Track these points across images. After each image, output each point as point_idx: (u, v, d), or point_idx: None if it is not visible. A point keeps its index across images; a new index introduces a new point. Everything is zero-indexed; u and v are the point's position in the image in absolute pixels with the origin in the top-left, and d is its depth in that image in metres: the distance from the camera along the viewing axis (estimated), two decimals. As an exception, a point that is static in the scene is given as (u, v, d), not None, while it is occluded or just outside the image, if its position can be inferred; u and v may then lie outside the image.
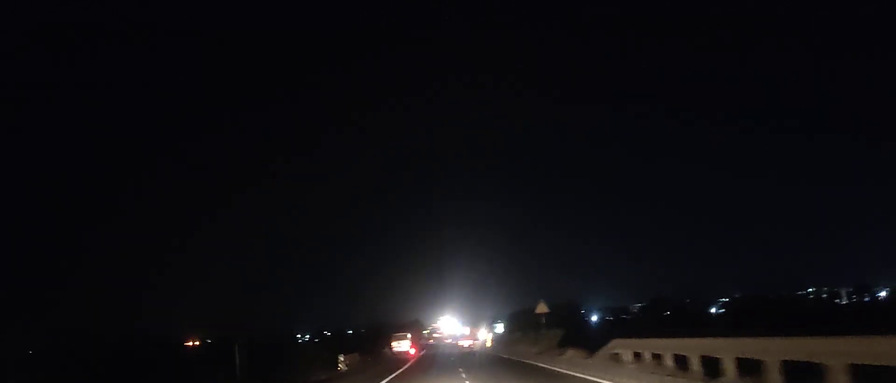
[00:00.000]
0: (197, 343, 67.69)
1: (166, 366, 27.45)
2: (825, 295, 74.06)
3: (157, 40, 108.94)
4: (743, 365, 12.60)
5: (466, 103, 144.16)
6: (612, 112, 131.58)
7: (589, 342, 25.94)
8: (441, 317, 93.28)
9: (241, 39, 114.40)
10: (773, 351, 11.30)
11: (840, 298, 71.61)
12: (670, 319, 56.33)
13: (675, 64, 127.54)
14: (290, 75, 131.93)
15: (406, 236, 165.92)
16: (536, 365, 24.43)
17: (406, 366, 33.88)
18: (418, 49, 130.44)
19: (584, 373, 18.28)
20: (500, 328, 75.60)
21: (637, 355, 19.10)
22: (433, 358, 44.35)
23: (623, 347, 20.36)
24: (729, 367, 12.87)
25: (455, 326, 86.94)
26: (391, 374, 25.88)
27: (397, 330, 65.67)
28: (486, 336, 66.56)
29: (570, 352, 25.54)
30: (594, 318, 75.10)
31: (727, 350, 13.15)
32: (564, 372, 19.92)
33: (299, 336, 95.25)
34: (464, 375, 21.76)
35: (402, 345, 57.34)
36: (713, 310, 67.32)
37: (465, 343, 66.29)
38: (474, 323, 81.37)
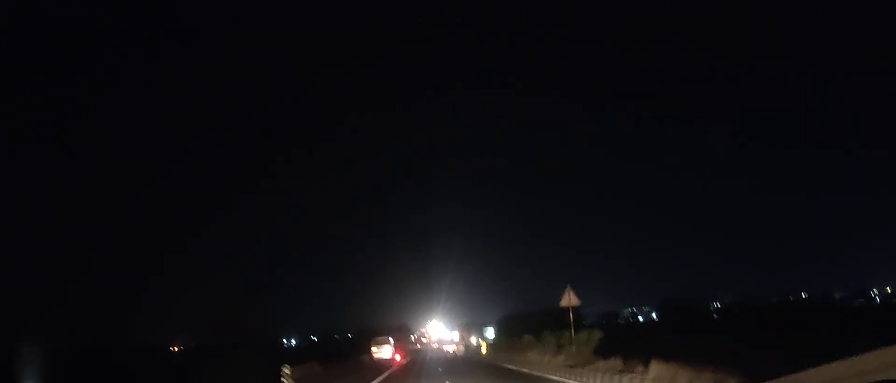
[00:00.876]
0: (181, 348, 62.45)
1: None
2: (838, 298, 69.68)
3: (157, 41, 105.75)
4: None
5: (464, 106, 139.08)
6: (611, 115, 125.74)
7: (629, 349, 18.07)
8: (429, 322, 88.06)
9: (239, 40, 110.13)
10: None
11: (852, 301, 66.91)
12: (688, 322, 49.38)
13: (677, 68, 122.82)
14: (290, 76, 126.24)
15: (400, 240, 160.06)
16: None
17: (378, 380, 26.29)
18: (417, 51, 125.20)
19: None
20: (490, 333, 69.53)
21: None
22: (418, 367, 36.60)
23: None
24: None
25: (443, 331, 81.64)
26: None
27: (379, 334, 57.78)
28: (478, 341, 60.88)
29: (618, 363, 16.18)
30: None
31: None
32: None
33: (286, 340, 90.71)
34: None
35: (384, 351, 49.24)
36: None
37: (450, 348, 63.28)
38: (465, 328, 76.94)
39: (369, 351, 49.60)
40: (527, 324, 49.12)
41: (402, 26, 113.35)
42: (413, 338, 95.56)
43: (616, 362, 16.34)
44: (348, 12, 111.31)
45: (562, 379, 19.34)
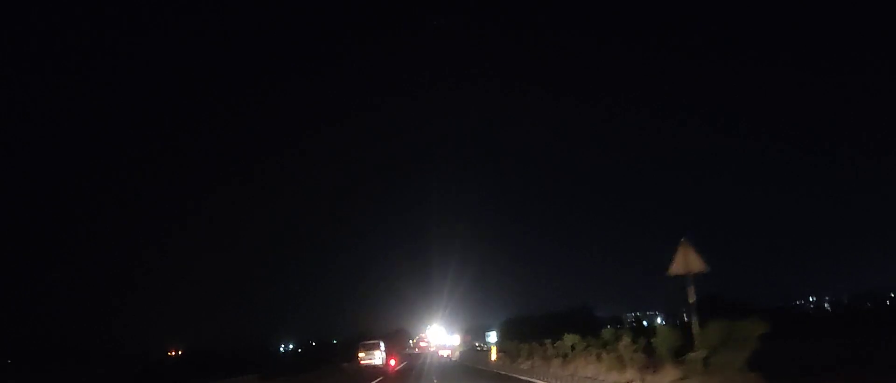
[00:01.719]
0: (179, 352, 58.77)
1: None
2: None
3: (144, 39, 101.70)
4: None
5: (460, 103, 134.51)
6: (610, 115, 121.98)
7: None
8: (429, 327, 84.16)
9: (225, 37, 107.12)
10: None
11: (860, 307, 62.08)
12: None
13: (677, 69, 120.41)
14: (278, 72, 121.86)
15: (397, 243, 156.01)
16: None
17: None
18: (409, 47, 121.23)
19: None
20: (492, 337, 67.29)
21: None
22: (414, 374, 31.17)
23: None
24: None
25: (442, 336, 77.89)
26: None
27: (369, 338, 52.54)
28: (482, 346, 59.25)
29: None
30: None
31: None
32: None
33: (283, 346, 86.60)
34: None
35: (373, 357, 43.98)
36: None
37: (444, 353, 62.90)
38: (466, 332, 75.92)
39: (356, 358, 44.50)
40: (533, 328, 43.67)
41: (395, 20, 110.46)
42: (411, 343, 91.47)
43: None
44: (336, 8, 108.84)
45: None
